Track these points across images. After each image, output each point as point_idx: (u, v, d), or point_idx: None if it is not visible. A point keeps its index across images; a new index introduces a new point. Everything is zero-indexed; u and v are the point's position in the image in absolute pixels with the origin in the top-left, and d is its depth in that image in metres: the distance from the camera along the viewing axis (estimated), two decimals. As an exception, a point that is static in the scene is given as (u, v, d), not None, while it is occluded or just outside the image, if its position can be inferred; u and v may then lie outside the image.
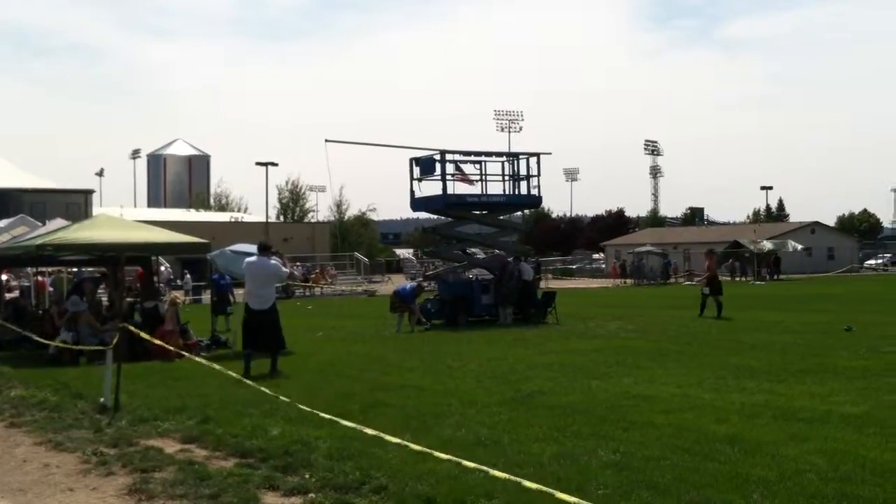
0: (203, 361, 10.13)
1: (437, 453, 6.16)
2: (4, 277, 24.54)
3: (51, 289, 29.19)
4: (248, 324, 14.16)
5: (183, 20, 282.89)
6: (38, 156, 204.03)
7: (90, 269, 24.41)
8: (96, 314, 17.74)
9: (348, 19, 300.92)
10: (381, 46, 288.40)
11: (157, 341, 11.87)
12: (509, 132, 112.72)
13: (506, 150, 41.16)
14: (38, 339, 15.83)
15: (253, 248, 16.35)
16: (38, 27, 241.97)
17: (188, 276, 43.98)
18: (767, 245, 63.65)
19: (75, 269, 34.67)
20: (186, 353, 11.48)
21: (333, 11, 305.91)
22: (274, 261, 14.49)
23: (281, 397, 9.57)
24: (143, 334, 12.32)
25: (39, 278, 29.03)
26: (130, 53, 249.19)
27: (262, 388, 9.22)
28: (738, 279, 57.39)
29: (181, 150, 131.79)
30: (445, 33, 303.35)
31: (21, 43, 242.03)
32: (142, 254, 19.10)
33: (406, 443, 6.87)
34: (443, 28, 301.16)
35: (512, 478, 5.63)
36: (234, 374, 11.10)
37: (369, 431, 7.81)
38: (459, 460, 5.94)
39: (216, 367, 10.44)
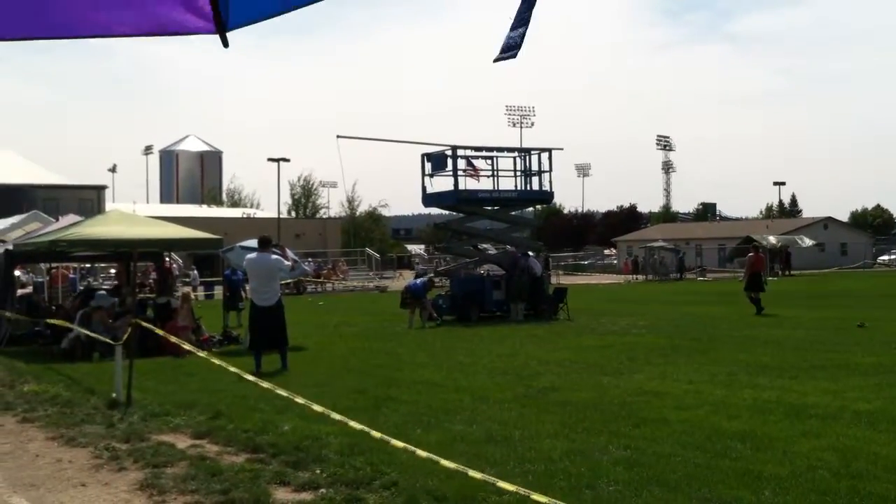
0: (216, 360, 10.14)
1: (443, 461, 6.15)
2: (18, 273, 24.65)
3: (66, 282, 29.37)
4: (255, 321, 14.15)
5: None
6: (50, 152, 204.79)
7: (103, 264, 24.51)
8: (108, 310, 17.79)
9: (358, 14, 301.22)
10: (391, 42, 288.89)
11: (173, 338, 11.90)
12: (521, 128, 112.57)
13: (517, 145, 41.09)
14: (57, 323, 15.81)
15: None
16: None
17: (195, 271, 43.99)
18: (772, 240, 63.25)
19: (88, 265, 34.87)
20: (194, 349, 11.48)
21: (343, 8, 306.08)
22: (275, 256, 14.42)
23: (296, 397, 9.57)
24: (156, 329, 12.35)
25: (54, 271, 29.19)
26: (141, 49, 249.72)
27: (275, 388, 9.21)
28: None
29: (193, 146, 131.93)
30: (457, 29, 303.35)
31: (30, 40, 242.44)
32: (154, 249, 19.16)
33: (412, 448, 6.86)
34: (454, 23, 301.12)
35: (520, 490, 5.61)
36: (240, 372, 11.10)
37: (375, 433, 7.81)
38: (466, 469, 5.93)
39: (231, 368, 10.46)
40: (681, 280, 55.31)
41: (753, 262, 25.12)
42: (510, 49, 4.57)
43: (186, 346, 11.54)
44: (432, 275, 28.57)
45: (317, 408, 7.63)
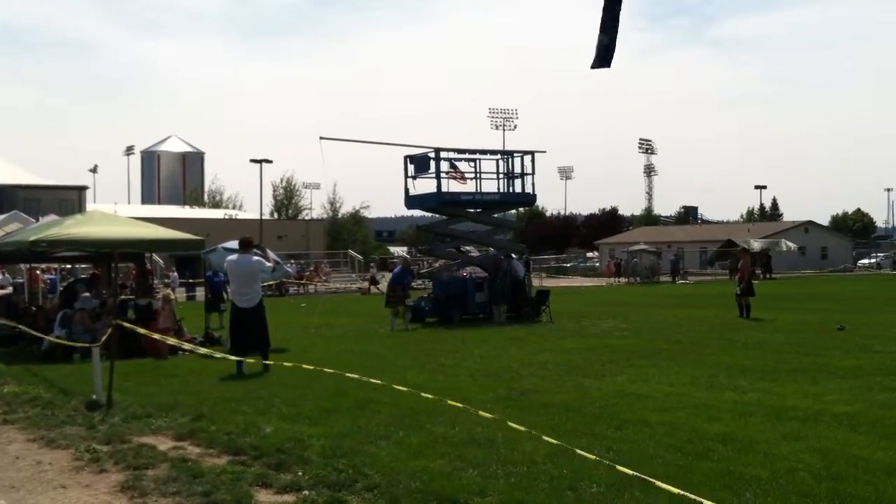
0: (201, 350, 10.11)
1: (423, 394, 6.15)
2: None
3: (45, 283, 29.15)
4: (235, 323, 14.09)
5: (176, 17, 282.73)
6: (31, 152, 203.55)
7: (84, 265, 24.34)
8: (90, 312, 17.68)
9: (342, 17, 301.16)
10: (375, 44, 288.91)
11: (156, 335, 11.88)
12: (504, 130, 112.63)
13: (500, 148, 41.17)
14: (32, 332, 15.76)
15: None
16: (30, 24, 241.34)
17: (174, 272, 43.66)
18: (754, 244, 63.57)
19: (68, 266, 34.62)
20: (184, 345, 11.46)
21: (327, 9, 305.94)
22: (256, 257, 14.36)
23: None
24: (139, 329, 12.29)
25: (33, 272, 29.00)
26: (124, 50, 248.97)
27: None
28: (733, 278, 57.29)
29: (175, 146, 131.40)
30: (440, 31, 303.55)
31: (13, 40, 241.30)
32: (136, 250, 19.03)
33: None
34: (438, 26, 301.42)
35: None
36: (231, 359, 11.08)
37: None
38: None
39: (216, 353, 10.44)
40: (659, 283, 55.49)
41: (743, 266, 25.13)
42: (603, 58, 4.60)
43: (170, 341, 11.48)
44: (408, 257, 28.66)
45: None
